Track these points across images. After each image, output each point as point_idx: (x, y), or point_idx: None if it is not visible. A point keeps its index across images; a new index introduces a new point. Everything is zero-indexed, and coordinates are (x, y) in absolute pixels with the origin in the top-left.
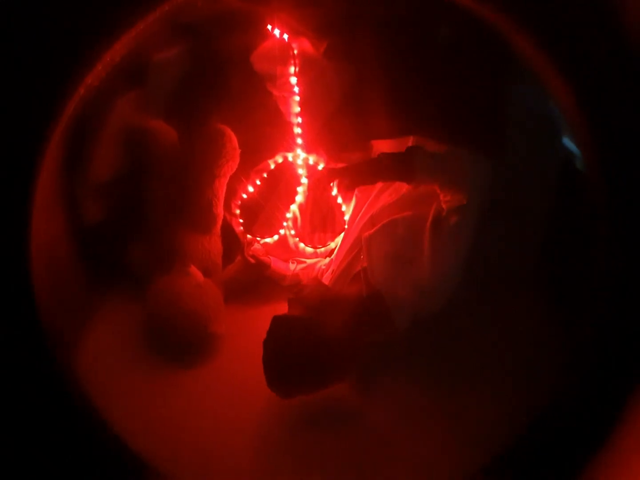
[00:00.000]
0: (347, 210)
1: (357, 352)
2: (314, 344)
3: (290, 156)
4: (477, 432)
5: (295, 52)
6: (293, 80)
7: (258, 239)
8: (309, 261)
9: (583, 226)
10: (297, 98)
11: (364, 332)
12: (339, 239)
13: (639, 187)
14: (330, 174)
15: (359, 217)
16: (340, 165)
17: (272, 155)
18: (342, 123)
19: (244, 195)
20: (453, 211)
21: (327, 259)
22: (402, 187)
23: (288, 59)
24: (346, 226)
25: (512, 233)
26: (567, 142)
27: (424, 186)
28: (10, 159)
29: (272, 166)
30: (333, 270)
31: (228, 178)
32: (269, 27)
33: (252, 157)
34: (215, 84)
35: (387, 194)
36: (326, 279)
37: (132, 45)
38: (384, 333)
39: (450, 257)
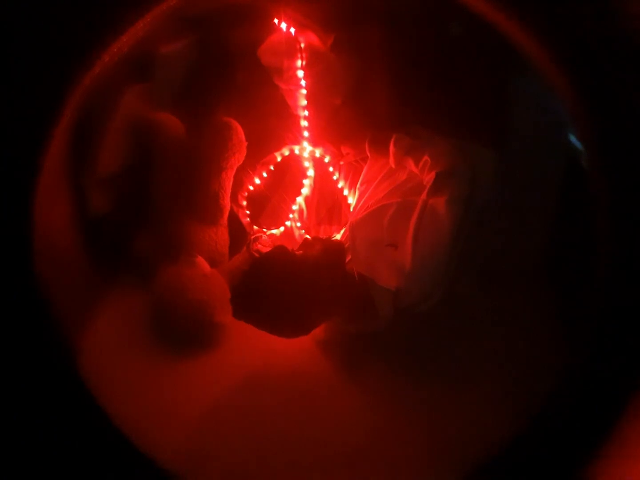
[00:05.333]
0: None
1: (321, 316)
2: (293, 280)
3: (296, 149)
4: (472, 430)
5: (302, 45)
6: (300, 73)
7: (264, 230)
8: None
9: (586, 222)
10: (303, 91)
11: (345, 316)
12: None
13: None
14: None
15: (358, 208)
16: (346, 157)
17: (279, 148)
18: (349, 116)
19: (251, 187)
20: (441, 197)
21: None
22: (400, 178)
23: (295, 52)
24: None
25: (514, 228)
26: (572, 137)
27: (419, 177)
28: (14, 148)
29: (279, 159)
30: None
31: (235, 170)
32: (276, 20)
33: (259, 149)
34: (222, 77)
35: (386, 185)
36: None
37: (140, 35)
38: (368, 322)
39: (434, 242)
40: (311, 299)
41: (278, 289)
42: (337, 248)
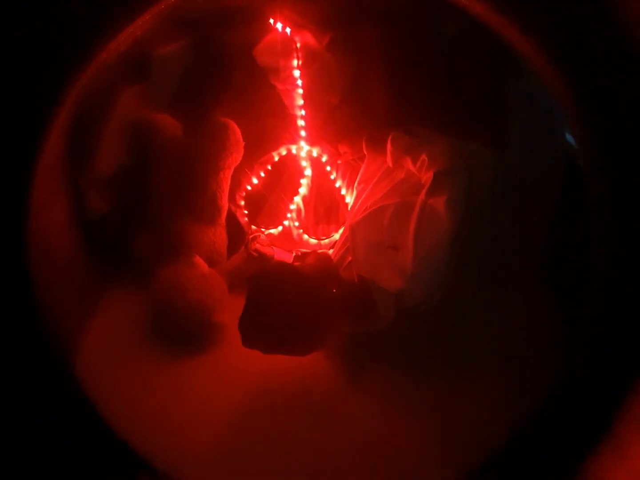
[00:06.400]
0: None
1: (331, 328)
2: (297, 296)
3: (293, 148)
4: (472, 430)
5: (298, 45)
6: (296, 73)
7: (262, 229)
8: None
9: (585, 222)
10: (300, 91)
11: (347, 318)
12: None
13: (638, 182)
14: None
15: (356, 208)
16: (343, 156)
17: (276, 148)
18: (346, 115)
19: (249, 187)
20: (439, 197)
21: (331, 251)
22: (398, 177)
23: (291, 52)
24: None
25: (513, 228)
26: (569, 137)
27: (416, 177)
28: (10, 148)
29: (276, 158)
30: None
31: (232, 170)
32: (272, 21)
33: (256, 149)
34: (218, 78)
35: (384, 185)
36: None
37: (138, 34)
38: (370, 322)
39: (435, 243)
40: (318, 313)
41: (284, 311)
42: (326, 257)
